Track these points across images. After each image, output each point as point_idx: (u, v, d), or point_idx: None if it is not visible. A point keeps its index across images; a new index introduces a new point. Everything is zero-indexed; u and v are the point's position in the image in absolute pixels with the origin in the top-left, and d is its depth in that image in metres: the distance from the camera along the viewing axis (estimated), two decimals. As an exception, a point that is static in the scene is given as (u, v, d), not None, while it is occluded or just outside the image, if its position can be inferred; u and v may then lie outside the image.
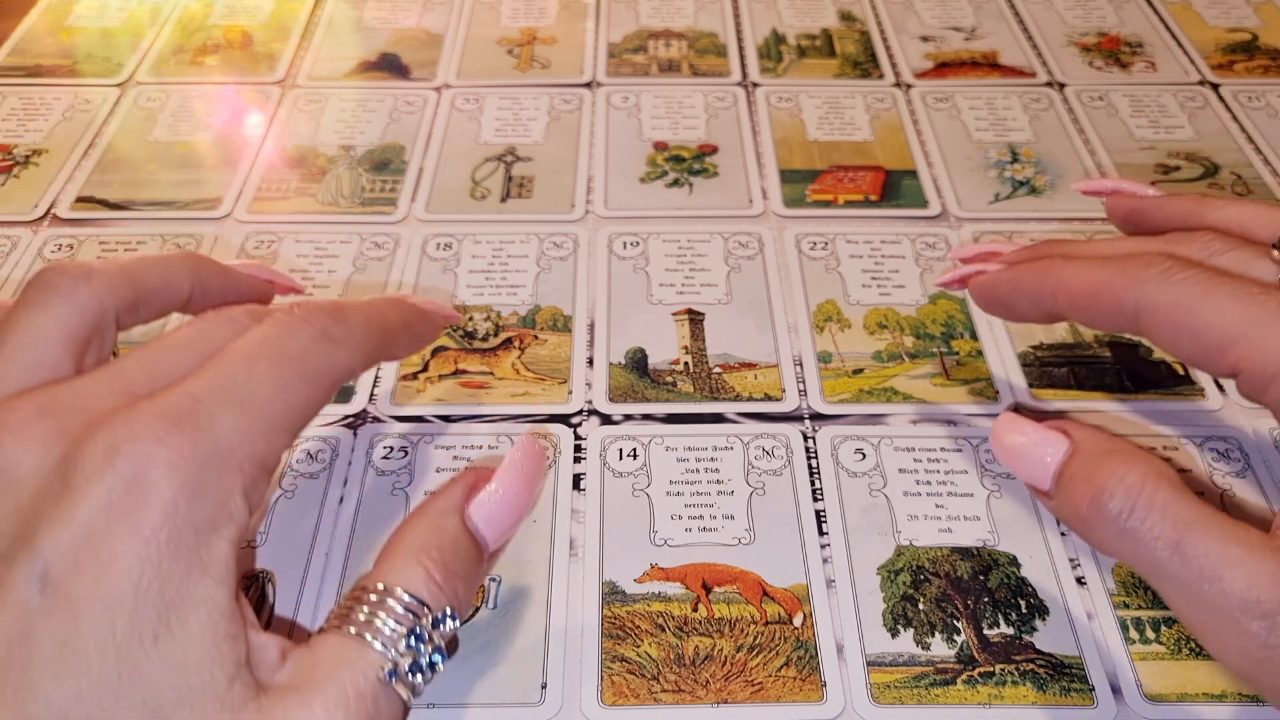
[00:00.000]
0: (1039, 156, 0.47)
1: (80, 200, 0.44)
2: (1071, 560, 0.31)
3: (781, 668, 0.29)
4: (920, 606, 0.30)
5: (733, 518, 0.32)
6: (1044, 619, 0.30)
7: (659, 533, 0.32)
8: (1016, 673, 0.29)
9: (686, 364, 0.37)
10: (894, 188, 0.45)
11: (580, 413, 0.35)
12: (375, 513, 0.32)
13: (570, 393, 0.36)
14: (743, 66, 0.53)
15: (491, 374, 0.37)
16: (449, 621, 0.23)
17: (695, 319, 0.39)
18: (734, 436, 0.35)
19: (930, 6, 0.57)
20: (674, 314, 0.39)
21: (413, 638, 0.22)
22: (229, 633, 0.20)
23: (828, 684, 0.28)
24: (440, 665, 0.22)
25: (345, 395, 0.36)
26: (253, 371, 0.22)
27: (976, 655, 0.29)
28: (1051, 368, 0.37)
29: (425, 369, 0.37)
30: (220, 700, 0.19)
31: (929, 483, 0.33)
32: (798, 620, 0.30)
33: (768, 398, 0.36)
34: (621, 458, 0.34)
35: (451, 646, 0.23)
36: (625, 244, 0.42)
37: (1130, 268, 0.27)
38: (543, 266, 0.41)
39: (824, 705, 0.28)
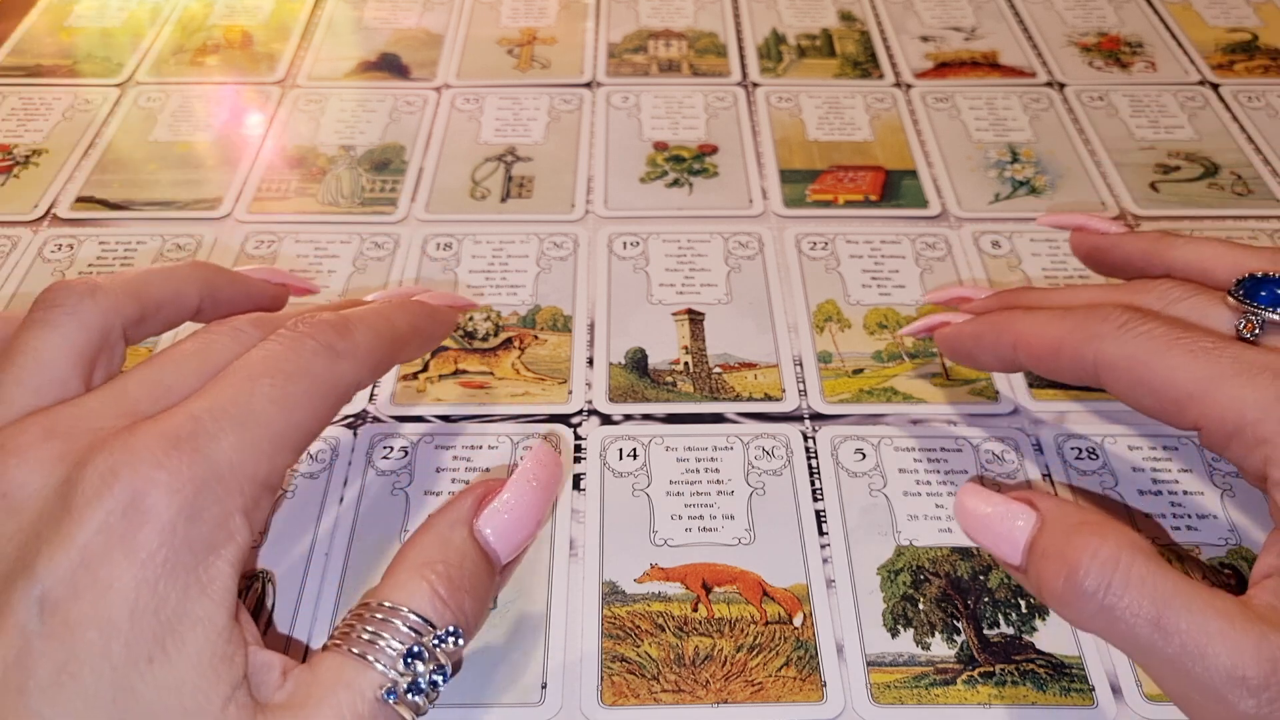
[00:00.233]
0: (1039, 156, 0.47)
1: (80, 200, 0.44)
2: (1071, 560, 0.31)
3: (781, 668, 0.29)
4: (920, 606, 0.30)
5: (733, 518, 0.32)
6: (1044, 619, 0.30)
7: (659, 533, 0.32)
8: (1016, 673, 0.29)
9: (686, 364, 0.37)
10: (894, 188, 0.45)
11: (580, 413, 0.35)
12: (375, 513, 0.32)
13: (570, 393, 0.36)
14: (743, 66, 0.53)
15: (491, 374, 0.37)
16: (453, 640, 0.22)
17: (695, 319, 0.39)
18: (734, 436, 0.35)
19: (930, 6, 0.57)
20: (674, 314, 0.39)
21: (413, 657, 0.21)
22: (225, 654, 0.20)
23: (828, 684, 0.28)
24: (442, 684, 0.22)
25: (345, 395, 0.36)
26: (254, 390, 0.22)
27: (976, 655, 0.29)
28: (1051, 368, 0.37)
29: (425, 369, 0.37)
30: None
31: (929, 483, 0.33)
32: (798, 620, 0.30)
33: (768, 398, 0.36)
34: (621, 458, 0.34)
35: (457, 665, 0.23)
36: (625, 244, 0.42)
37: (1088, 323, 0.27)
38: (543, 266, 0.41)
39: (824, 705, 0.28)
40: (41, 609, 0.19)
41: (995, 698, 0.28)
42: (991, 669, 0.29)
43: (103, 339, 0.24)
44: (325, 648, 0.22)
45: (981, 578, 0.31)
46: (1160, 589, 0.22)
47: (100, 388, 0.23)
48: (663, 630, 0.29)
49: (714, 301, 0.39)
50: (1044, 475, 0.33)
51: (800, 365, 0.37)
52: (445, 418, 0.35)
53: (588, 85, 0.51)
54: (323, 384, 0.24)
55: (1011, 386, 0.36)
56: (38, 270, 0.41)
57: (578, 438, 0.35)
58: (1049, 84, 0.51)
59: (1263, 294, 0.26)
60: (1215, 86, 0.51)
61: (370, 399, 0.36)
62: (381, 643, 0.21)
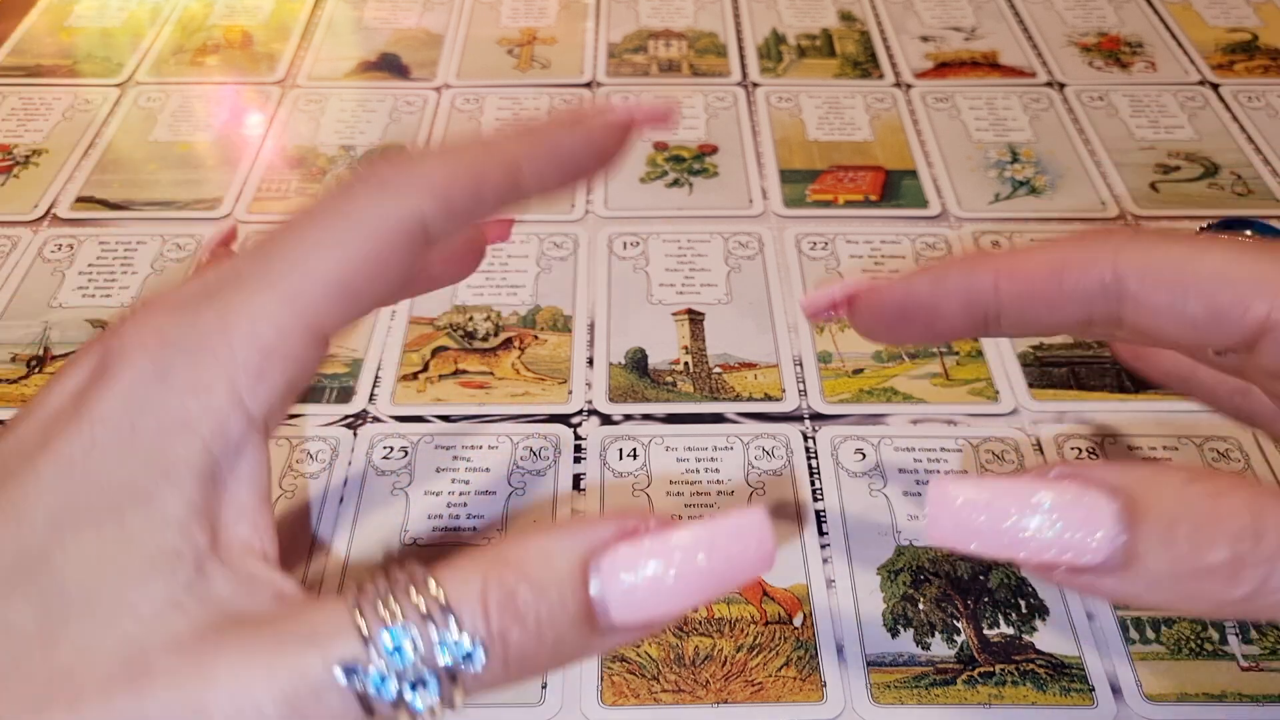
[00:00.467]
0: (1039, 156, 0.47)
1: (80, 200, 0.44)
2: (1071, 560, 0.31)
3: (781, 668, 0.29)
4: (920, 606, 0.30)
5: (733, 518, 0.32)
6: (1044, 619, 0.30)
7: (659, 533, 0.32)
8: (1016, 673, 0.29)
9: (686, 364, 0.37)
10: (894, 188, 0.45)
11: (580, 413, 0.35)
12: (375, 513, 0.32)
13: (570, 393, 0.36)
14: (743, 66, 0.53)
15: (491, 374, 0.37)
16: (463, 658, 0.16)
17: (695, 319, 0.39)
18: (734, 436, 0.35)
19: (930, 6, 0.57)
20: (674, 314, 0.39)
21: (399, 646, 0.16)
22: (172, 548, 0.17)
23: (828, 684, 0.28)
24: (415, 705, 0.16)
25: (345, 395, 0.36)
26: (271, 240, 0.19)
27: (976, 655, 0.29)
28: (1051, 368, 0.37)
29: (425, 369, 0.37)
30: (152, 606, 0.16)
31: (929, 483, 0.33)
32: (798, 620, 0.30)
33: (768, 398, 0.36)
34: (621, 458, 0.34)
35: (450, 697, 0.16)
36: (625, 244, 0.42)
37: (1095, 237, 0.22)
38: (543, 266, 0.41)
39: (824, 705, 0.28)
40: None
41: (995, 698, 0.28)
42: (991, 669, 0.29)
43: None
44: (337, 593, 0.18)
45: (981, 578, 0.31)
46: None
47: None
48: (663, 630, 0.29)
49: (714, 301, 0.39)
50: (1044, 475, 0.33)
51: (800, 365, 0.37)
52: (445, 418, 0.35)
53: (588, 85, 0.51)
54: (359, 222, 0.19)
55: (1011, 386, 0.36)
56: (38, 270, 0.41)
57: (578, 438, 0.35)
58: (1049, 84, 0.51)
59: (1235, 224, 0.25)
60: (1215, 86, 0.51)
61: (370, 399, 0.36)
62: (381, 609, 0.16)
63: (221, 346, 0.18)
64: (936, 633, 0.29)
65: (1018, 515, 0.18)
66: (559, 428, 0.35)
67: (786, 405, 0.36)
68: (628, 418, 0.35)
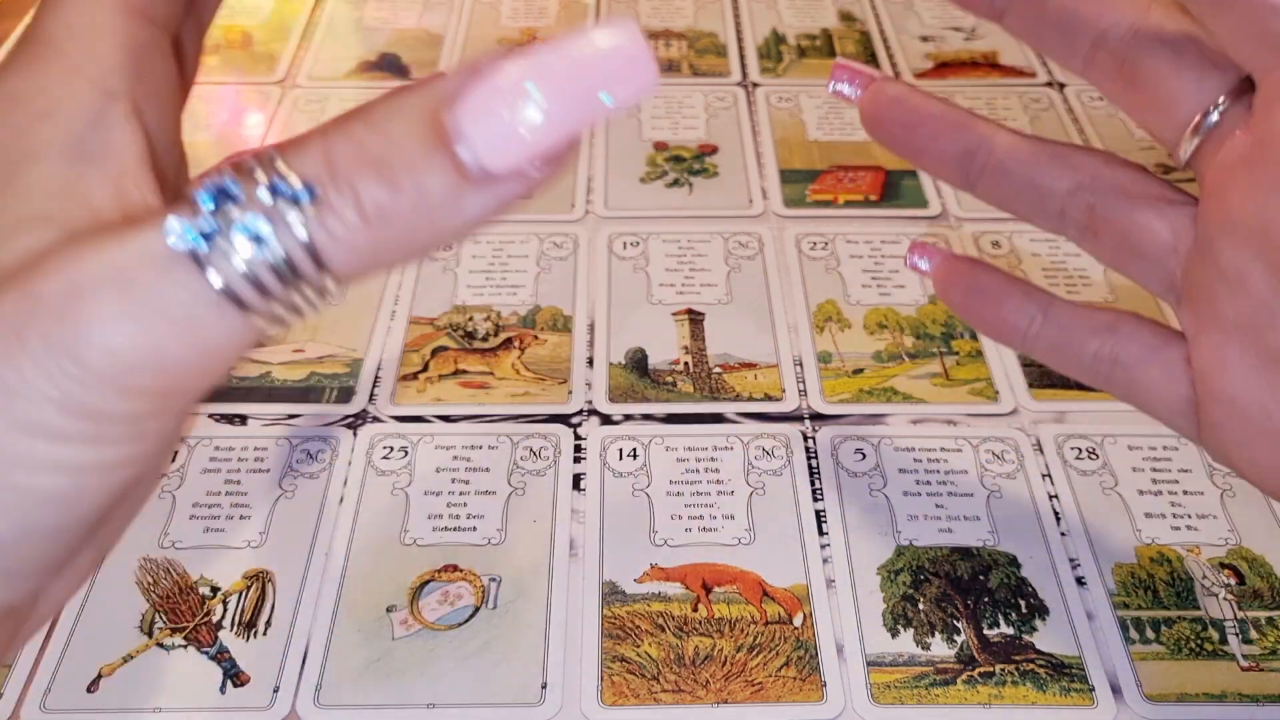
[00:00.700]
0: (1039, 156, 0.47)
1: (80, 200, 0.44)
2: (1072, 560, 0.31)
3: (781, 668, 0.29)
4: (920, 606, 0.30)
5: (733, 518, 0.32)
6: (1044, 619, 0.30)
7: (659, 533, 0.32)
8: (1016, 673, 0.29)
9: (686, 364, 0.37)
10: (894, 188, 0.45)
11: (580, 413, 0.35)
12: (375, 513, 0.32)
13: (570, 393, 0.36)
14: (743, 66, 0.53)
15: (491, 374, 0.37)
16: (291, 198, 0.15)
17: (695, 319, 0.39)
18: (734, 436, 0.35)
19: (930, 6, 0.57)
20: (674, 314, 0.39)
21: (223, 195, 0.15)
22: (44, 213, 0.17)
23: (828, 684, 0.28)
24: (257, 253, 0.15)
25: (345, 396, 0.36)
26: None
27: (976, 655, 0.29)
28: (1051, 368, 0.37)
29: (425, 369, 0.37)
30: None
31: (929, 483, 0.33)
32: (798, 620, 0.30)
33: (768, 398, 0.36)
34: (621, 458, 0.34)
35: (309, 269, 0.15)
36: (625, 244, 0.42)
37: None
38: (543, 266, 0.41)
39: (824, 705, 0.28)
40: None
41: (995, 698, 0.28)
42: (991, 669, 0.29)
43: None
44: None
45: (981, 578, 0.31)
46: None
47: None
48: (663, 630, 0.29)
49: (714, 301, 0.39)
50: (1044, 475, 0.33)
51: (800, 365, 0.37)
52: (445, 418, 0.35)
53: (588, 85, 0.51)
54: None
55: (1011, 387, 0.36)
56: (38, 270, 0.41)
57: (578, 438, 0.35)
58: (1049, 84, 0.51)
59: None
60: (1215, 86, 0.51)
61: (370, 399, 0.36)
62: (217, 180, 0.15)
63: (50, 50, 0.18)
64: (936, 633, 0.29)
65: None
66: (559, 428, 0.35)
67: (786, 405, 0.36)
68: (628, 418, 0.35)
